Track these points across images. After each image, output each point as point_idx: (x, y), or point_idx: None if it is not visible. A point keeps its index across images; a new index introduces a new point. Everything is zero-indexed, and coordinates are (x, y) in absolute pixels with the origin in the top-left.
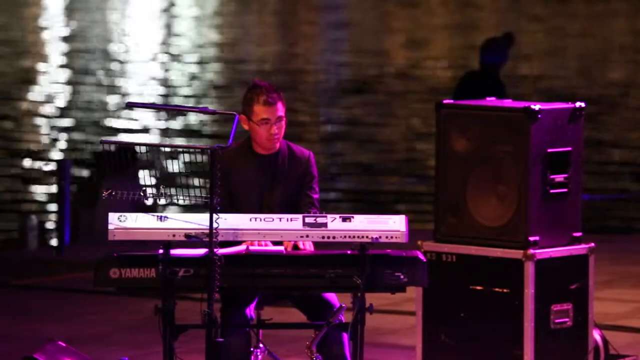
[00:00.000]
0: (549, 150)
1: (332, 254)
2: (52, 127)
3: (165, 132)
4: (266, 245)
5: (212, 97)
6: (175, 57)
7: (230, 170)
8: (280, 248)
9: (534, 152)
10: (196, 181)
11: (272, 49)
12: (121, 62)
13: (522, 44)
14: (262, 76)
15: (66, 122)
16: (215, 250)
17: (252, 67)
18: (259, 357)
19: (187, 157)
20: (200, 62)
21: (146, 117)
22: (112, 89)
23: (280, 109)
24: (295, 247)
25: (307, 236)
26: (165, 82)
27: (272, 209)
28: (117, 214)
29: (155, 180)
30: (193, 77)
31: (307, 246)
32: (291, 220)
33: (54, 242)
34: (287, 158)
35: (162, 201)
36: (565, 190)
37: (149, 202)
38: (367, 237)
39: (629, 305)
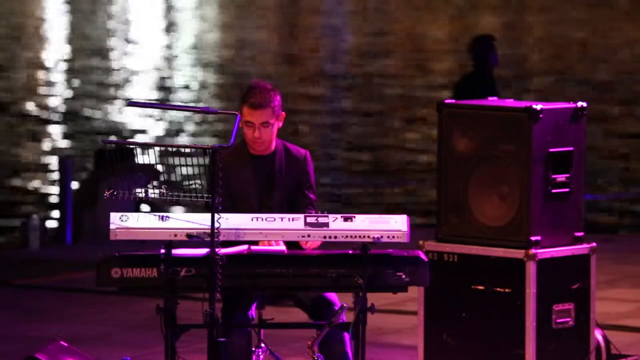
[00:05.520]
0: (551, 150)
1: (334, 254)
2: (54, 127)
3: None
4: (277, 244)
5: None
6: (177, 57)
7: (229, 171)
8: (283, 248)
9: (536, 152)
10: (197, 180)
11: (274, 48)
12: (123, 62)
13: None
14: (263, 77)
15: (67, 121)
16: (216, 250)
17: (253, 69)
18: (261, 356)
19: (188, 157)
20: (202, 62)
21: (148, 117)
22: (114, 89)
23: (268, 115)
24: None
25: (309, 236)
26: (167, 82)
27: (271, 209)
28: (119, 214)
29: (156, 180)
30: (194, 76)
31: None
32: (293, 220)
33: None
34: (284, 158)
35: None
36: (567, 190)
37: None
38: (368, 236)
39: (631, 305)
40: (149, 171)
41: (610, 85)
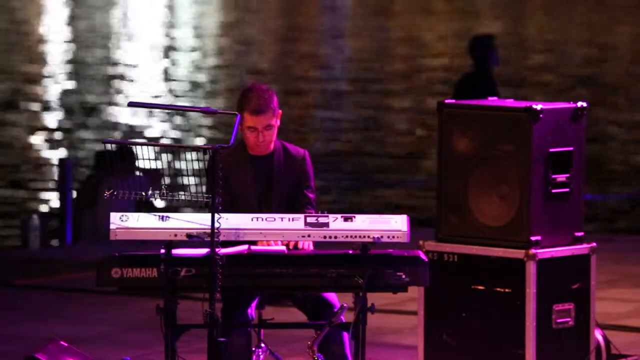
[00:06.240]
0: (551, 150)
1: (334, 254)
2: (54, 127)
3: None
4: (275, 244)
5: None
6: (177, 56)
7: (228, 171)
8: (282, 248)
9: (536, 152)
10: (197, 180)
11: (275, 48)
12: (123, 62)
13: None
14: (263, 78)
15: (68, 121)
16: (216, 249)
17: (253, 70)
18: (261, 356)
19: (188, 157)
20: (203, 61)
21: (148, 117)
22: (114, 89)
23: (269, 118)
24: (295, 247)
25: (309, 236)
26: (167, 81)
27: (270, 209)
28: (119, 214)
29: (156, 179)
30: (194, 76)
31: (307, 245)
32: (293, 220)
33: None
34: (283, 158)
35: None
36: (567, 190)
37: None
38: (368, 236)
39: (631, 305)
40: (149, 171)
41: (612, 85)
